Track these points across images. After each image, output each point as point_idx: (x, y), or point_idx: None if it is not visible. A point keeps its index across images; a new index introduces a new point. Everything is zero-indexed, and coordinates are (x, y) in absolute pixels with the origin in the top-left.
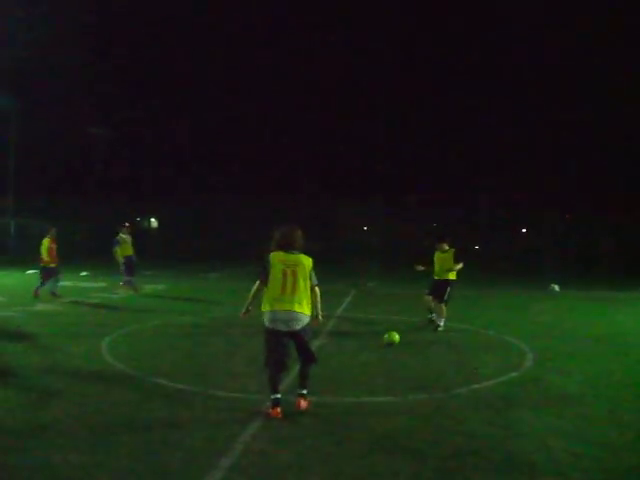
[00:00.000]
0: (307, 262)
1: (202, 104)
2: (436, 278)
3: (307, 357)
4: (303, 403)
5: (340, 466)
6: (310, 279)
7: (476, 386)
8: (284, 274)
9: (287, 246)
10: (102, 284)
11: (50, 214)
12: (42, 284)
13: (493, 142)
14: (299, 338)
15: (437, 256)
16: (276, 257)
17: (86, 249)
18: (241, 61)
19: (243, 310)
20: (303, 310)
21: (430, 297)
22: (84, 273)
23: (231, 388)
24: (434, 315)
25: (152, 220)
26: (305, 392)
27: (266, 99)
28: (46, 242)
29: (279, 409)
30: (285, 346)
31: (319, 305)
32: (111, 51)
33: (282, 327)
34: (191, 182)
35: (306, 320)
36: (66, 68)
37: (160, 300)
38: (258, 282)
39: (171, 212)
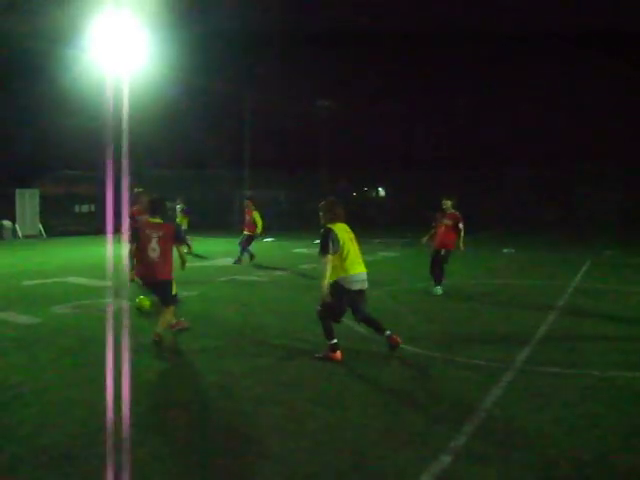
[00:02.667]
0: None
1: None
2: None
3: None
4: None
5: (584, 439)
6: None
7: None
8: (351, 241)
9: (342, 217)
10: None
11: (283, 186)
12: None
13: None
14: (364, 296)
15: None
16: (341, 229)
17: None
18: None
19: (325, 282)
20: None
21: None
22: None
23: (469, 354)
24: None
25: (380, 189)
26: (389, 332)
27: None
28: None
29: (339, 352)
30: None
31: None
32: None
33: (361, 286)
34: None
35: None
36: (293, 43)
37: (394, 267)
38: (330, 256)
39: (400, 182)
